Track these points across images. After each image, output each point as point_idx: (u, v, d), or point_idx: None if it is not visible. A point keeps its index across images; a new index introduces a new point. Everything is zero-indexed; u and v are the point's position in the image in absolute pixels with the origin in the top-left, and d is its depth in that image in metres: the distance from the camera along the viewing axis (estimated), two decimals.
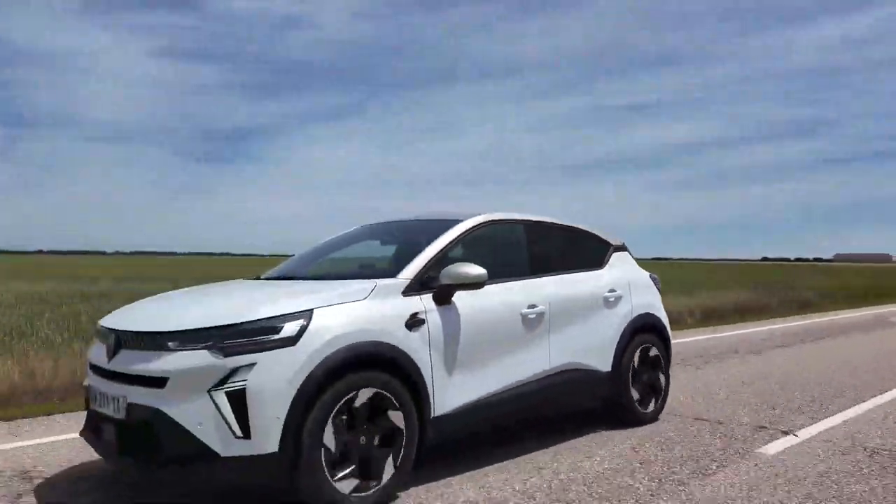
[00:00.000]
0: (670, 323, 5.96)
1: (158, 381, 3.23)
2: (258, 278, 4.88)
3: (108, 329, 3.64)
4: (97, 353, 3.79)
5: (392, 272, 4.00)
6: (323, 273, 4.74)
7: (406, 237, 4.82)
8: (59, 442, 4.77)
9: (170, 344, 3.28)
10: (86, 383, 3.90)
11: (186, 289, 4.58)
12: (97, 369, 3.65)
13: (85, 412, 3.87)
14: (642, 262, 6.07)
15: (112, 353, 3.51)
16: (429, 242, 4.24)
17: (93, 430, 3.70)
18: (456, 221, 4.52)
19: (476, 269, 3.99)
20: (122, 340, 3.50)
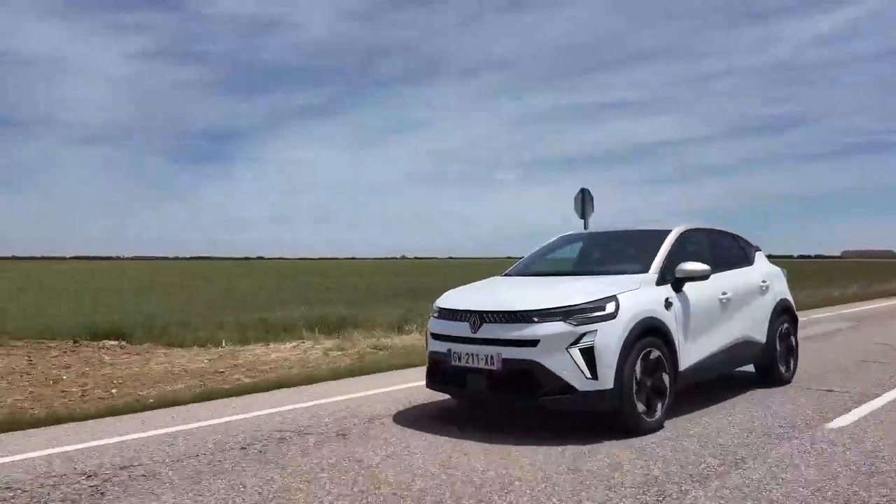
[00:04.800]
0: None
1: (532, 342, 4.86)
2: (505, 275, 6.53)
3: (467, 310, 5.27)
4: (442, 326, 5.44)
5: (643, 269, 5.63)
6: (572, 270, 6.36)
7: (622, 245, 6.49)
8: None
9: (535, 318, 4.92)
10: (430, 349, 5.55)
11: (484, 282, 6.27)
12: (459, 339, 5.26)
13: (426, 368, 5.57)
14: None
15: (477, 327, 5.14)
16: (657, 248, 5.86)
17: (450, 382, 5.36)
18: (666, 231, 6.15)
19: (703, 266, 5.65)
20: (485, 317, 5.13)
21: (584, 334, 4.84)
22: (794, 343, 7.29)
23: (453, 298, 5.71)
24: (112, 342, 11.45)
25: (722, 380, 6.88)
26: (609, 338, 4.87)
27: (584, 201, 13.40)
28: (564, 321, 4.88)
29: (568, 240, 7.16)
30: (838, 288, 23.92)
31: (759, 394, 6.52)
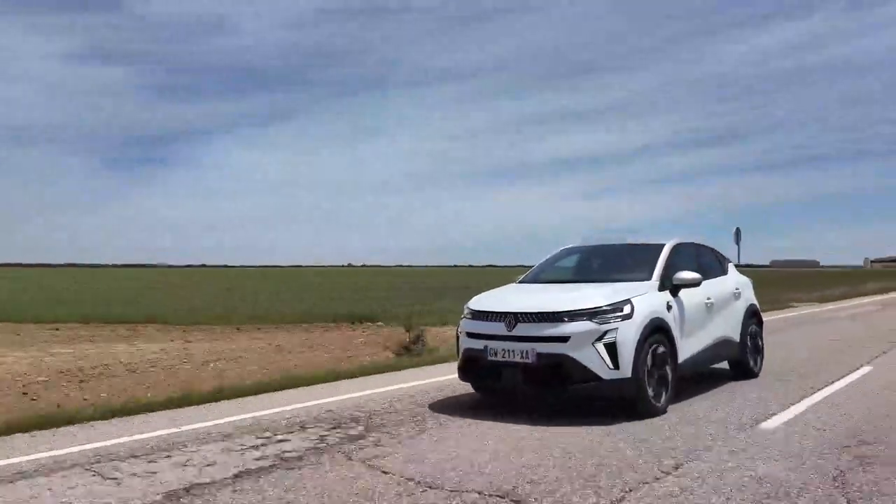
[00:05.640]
0: None
1: (563, 339, 5.74)
2: (520, 282, 7.40)
3: (502, 312, 6.10)
4: (476, 325, 6.26)
5: (647, 277, 6.59)
6: (582, 278, 7.24)
7: (623, 256, 7.43)
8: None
9: (565, 318, 5.80)
10: (465, 346, 6.35)
11: (507, 288, 7.13)
12: (495, 336, 6.08)
13: (458, 364, 6.41)
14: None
15: (512, 326, 5.98)
16: (655, 259, 6.84)
17: (486, 376, 6.20)
18: (661, 245, 7.14)
19: (696, 275, 6.67)
20: (520, 318, 5.97)
21: (607, 331, 5.75)
22: (760, 342, 8.41)
23: (485, 302, 6.55)
24: (368, 324, 16.73)
25: (704, 374, 7.91)
26: (627, 334, 5.79)
27: (739, 235, 24.39)
28: (590, 320, 5.78)
29: (570, 251, 8.08)
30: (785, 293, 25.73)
31: (734, 385, 7.58)
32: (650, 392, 5.94)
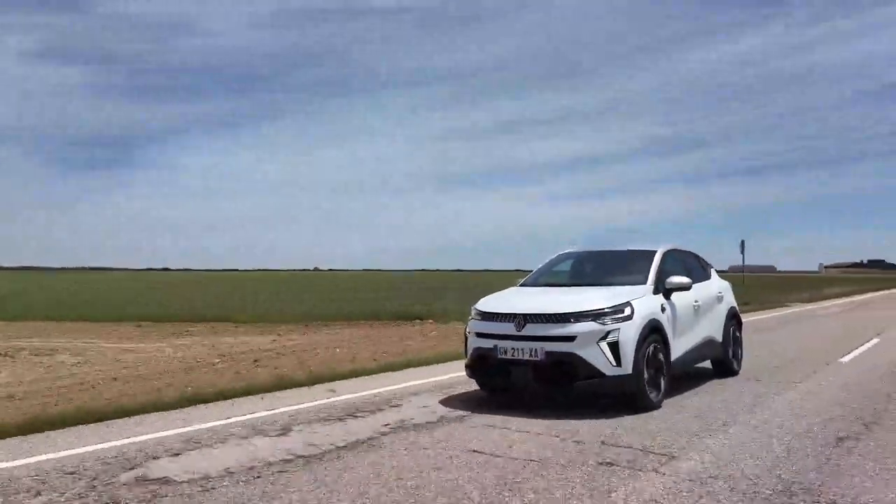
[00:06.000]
0: None
1: (570, 338, 6.20)
2: (521, 285, 7.86)
3: (511, 313, 6.54)
4: (486, 326, 6.68)
5: (643, 281, 7.09)
6: (581, 282, 7.70)
7: (618, 261, 7.91)
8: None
9: (571, 319, 6.26)
10: (474, 345, 6.77)
11: (512, 291, 7.56)
12: (504, 336, 6.51)
13: (466, 362, 6.84)
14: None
15: (521, 326, 6.42)
16: (649, 264, 7.35)
17: (495, 374, 6.62)
18: (653, 251, 7.65)
19: (687, 279, 7.20)
20: (528, 318, 6.42)
21: (610, 331, 6.23)
22: (740, 342, 9.00)
23: (493, 303, 6.98)
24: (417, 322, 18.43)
25: (690, 372, 8.47)
26: (628, 334, 6.28)
27: (743, 246, 31.16)
28: (594, 321, 6.25)
29: (567, 256, 8.55)
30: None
31: (718, 382, 8.15)
32: (648, 388, 6.44)
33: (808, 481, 4.30)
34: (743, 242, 32.37)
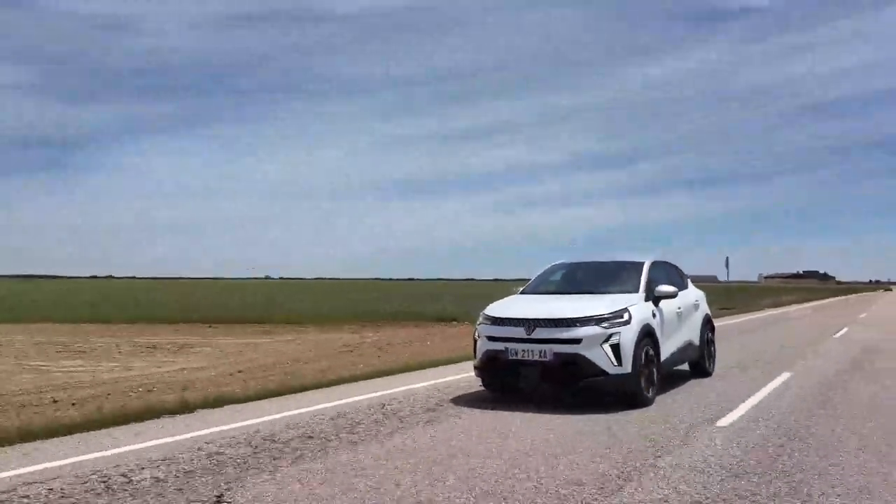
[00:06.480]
0: None
1: (577, 341, 6.89)
2: (522, 293, 8.52)
3: (521, 318, 7.19)
4: (496, 330, 7.32)
5: (635, 290, 7.84)
6: (578, 290, 8.37)
7: (610, 271, 8.64)
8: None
9: (577, 323, 6.95)
10: (485, 348, 7.38)
11: (515, 298, 8.21)
12: (515, 339, 7.14)
13: (475, 364, 7.47)
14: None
15: (531, 330, 7.07)
16: (639, 274, 8.11)
17: (505, 375, 7.26)
18: (642, 262, 8.42)
19: (674, 288, 7.99)
20: (538, 323, 7.07)
21: (612, 334, 6.94)
22: (713, 346, 9.86)
23: (502, 309, 7.62)
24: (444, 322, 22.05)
25: (672, 373, 9.27)
26: (627, 337, 7.00)
27: (727, 262, 40.18)
28: (598, 325, 6.96)
29: (560, 267, 9.25)
30: None
31: (697, 381, 8.96)
32: (644, 386, 7.17)
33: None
34: (727, 259, 40.55)
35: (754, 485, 4.43)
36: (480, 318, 7.74)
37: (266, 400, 7.77)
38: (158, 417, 6.72)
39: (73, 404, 7.85)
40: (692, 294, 9.49)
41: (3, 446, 5.53)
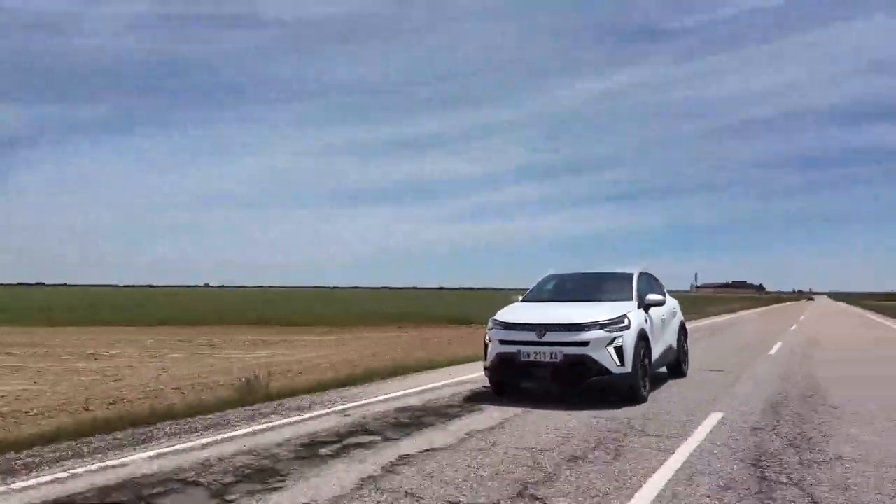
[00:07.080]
0: None
1: (584, 343, 7.68)
2: (523, 300, 9.28)
3: (532, 323, 7.93)
4: (508, 334, 8.05)
5: (627, 298, 8.71)
6: (576, 298, 9.17)
7: (603, 281, 9.49)
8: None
9: (584, 327, 7.74)
10: (497, 350, 8.10)
11: (520, 305, 8.94)
12: (526, 342, 7.88)
13: (486, 365, 8.22)
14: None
15: (542, 334, 7.82)
16: (630, 284, 9.00)
17: (516, 375, 8.00)
18: (631, 273, 9.31)
19: (662, 297, 8.91)
20: (548, 328, 7.83)
21: (615, 337, 7.77)
22: (687, 350, 10.86)
23: (512, 315, 8.36)
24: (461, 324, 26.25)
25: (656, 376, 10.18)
26: (628, 340, 7.84)
27: (696, 276, 42.40)
28: (603, 329, 7.77)
29: (553, 277, 10.06)
30: None
31: (675, 382, 9.91)
32: (641, 384, 8.02)
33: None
34: (696, 274, 40.47)
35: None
36: (490, 324, 8.45)
37: (424, 372, 11.17)
38: (392, 377, 10.49)
39: (329, 368, 12.38)
40: (671, 303, 10.45)
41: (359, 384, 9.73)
